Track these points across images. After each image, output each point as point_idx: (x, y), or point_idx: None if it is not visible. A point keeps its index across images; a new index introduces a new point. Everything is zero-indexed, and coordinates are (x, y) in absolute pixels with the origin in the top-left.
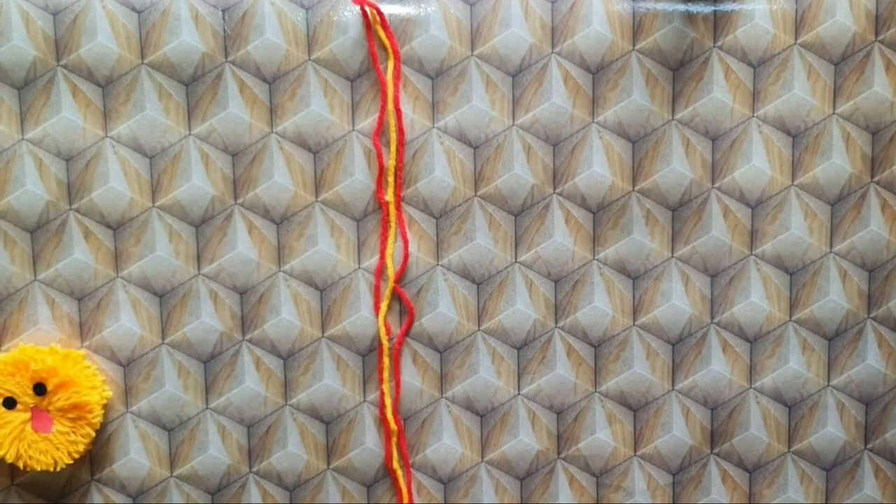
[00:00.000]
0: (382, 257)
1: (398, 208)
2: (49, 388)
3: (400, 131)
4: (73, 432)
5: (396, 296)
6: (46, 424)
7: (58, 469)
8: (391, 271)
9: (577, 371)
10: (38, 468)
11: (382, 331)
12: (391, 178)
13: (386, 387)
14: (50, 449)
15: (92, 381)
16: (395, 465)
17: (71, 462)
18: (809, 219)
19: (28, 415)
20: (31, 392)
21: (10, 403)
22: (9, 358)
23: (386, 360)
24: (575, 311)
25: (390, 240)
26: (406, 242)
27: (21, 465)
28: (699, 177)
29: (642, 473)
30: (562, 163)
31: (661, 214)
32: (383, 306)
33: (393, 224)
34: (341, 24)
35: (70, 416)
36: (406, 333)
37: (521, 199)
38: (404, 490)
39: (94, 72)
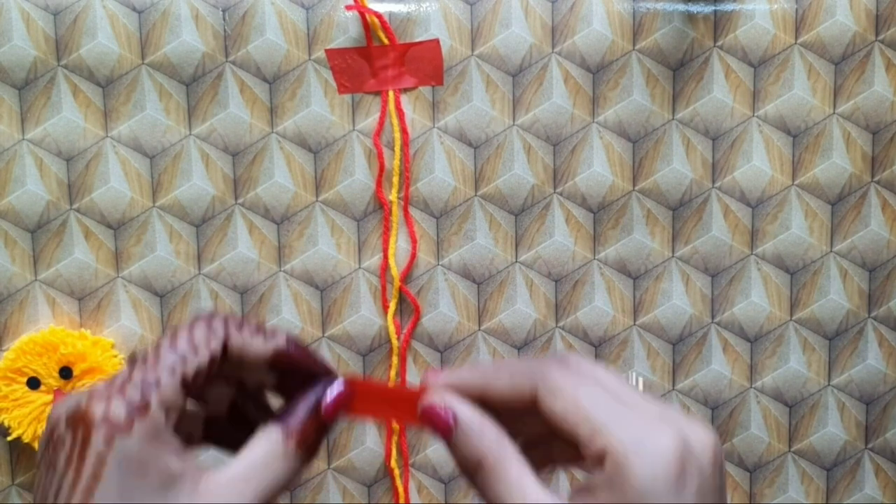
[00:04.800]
0: (386, 257)
1: (405, 209)
2: (75, 372)
3: (404, 132)
4: None
5: (398, 295)
6: None
7: None
8: (395, 271)
9: None
10: None
11: (392, 329)
12: (395, 179)
13: None
14: None
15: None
16: (394, 464)
17: None
18: (810, 218)
19: (50, 397)
20: (56, 375)
21: (33, 384)
22: (39, 338)
23: (395, 359)
24: (575, 310)
25: (392, 239)
26: (414, 242)
27: (37, 445)
28: (699, 176)
29: None
30: (562, 162)
31: (661, 214)
32: (392, 305)
33: (395, 224)
34: (341, 23)
35: None
36: (411, 333)
37: (522, 199)
38: (401, 489)
39: (95, 72)
